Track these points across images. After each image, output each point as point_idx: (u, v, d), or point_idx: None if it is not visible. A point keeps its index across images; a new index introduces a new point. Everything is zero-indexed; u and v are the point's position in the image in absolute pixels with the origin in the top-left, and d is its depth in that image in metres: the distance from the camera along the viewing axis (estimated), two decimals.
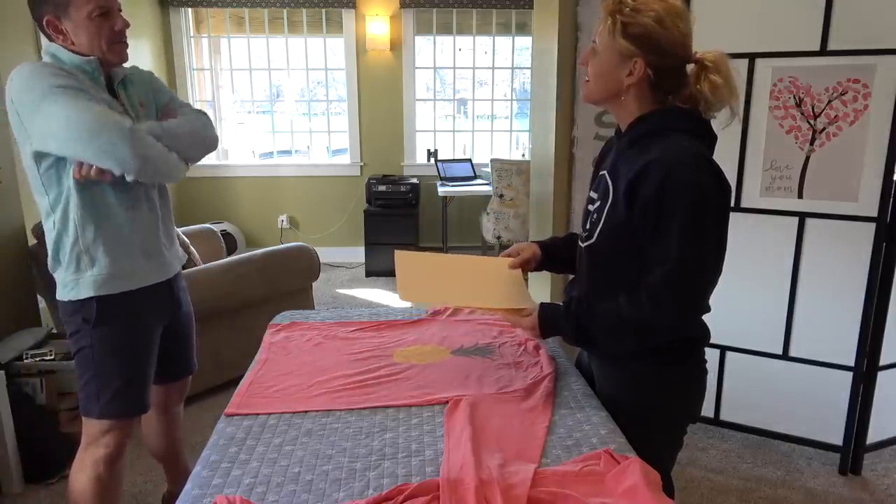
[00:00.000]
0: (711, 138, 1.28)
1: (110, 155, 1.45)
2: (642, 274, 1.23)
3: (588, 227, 1.35)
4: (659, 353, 1.31)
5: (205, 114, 1.76)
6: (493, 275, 1.54)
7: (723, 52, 1.23)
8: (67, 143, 1.45)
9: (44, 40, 1.56)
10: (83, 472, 1.69)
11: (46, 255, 1.63)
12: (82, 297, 1.59)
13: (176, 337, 1.86)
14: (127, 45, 1.60)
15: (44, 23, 1.50)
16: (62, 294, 1.62)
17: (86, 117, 1.43)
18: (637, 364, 1.34)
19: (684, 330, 1.32)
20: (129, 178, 1.51)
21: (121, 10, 1.57)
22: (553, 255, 1.57)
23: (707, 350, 1.39)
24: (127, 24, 1.58)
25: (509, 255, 1.56)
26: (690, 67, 1.24)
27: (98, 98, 1.50)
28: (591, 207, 1.36)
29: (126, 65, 1.67)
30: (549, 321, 1.35)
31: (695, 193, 1.16)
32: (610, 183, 1.30)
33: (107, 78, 1.61)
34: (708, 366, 1.40)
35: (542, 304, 1.37)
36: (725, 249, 1.24)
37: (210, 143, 1.72)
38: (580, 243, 1.39)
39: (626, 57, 1.22)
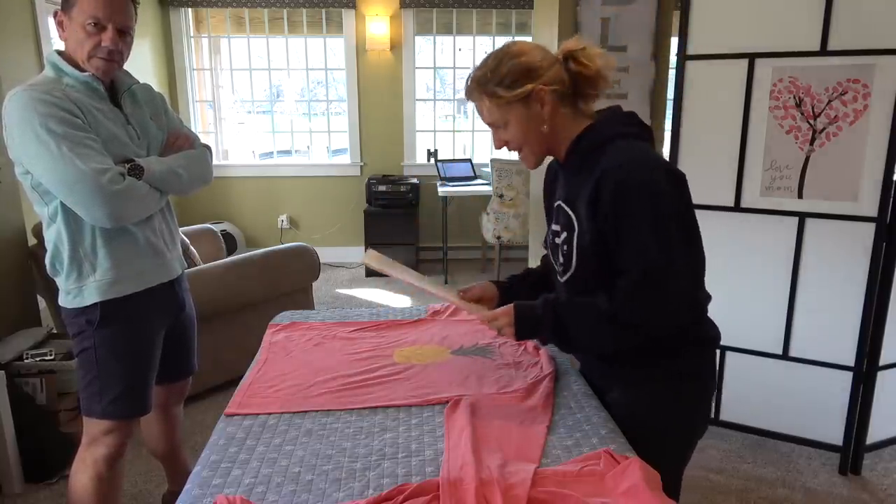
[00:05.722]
0: (649, 132, 1.30)
1: (84, 210, 1.49)
2: (616, 279, 1.21)
3: (562, 260, 1.32)
4: (671, 365, 1.29)
5: (209, 148, 1.81)
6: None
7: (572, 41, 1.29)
8: (49, 185, 1.49)
9: (53, 42, 1.56)
10: (84, 471, 1.69)
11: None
12: (87, 304, 1.60)
13: (178, 338, 1.86)
14: (114, 63, 1.55)
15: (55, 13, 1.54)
16: (65, 301, 1.62)
17: (66, 171, 1.44)
18: (653, 384, 1.32)
19: (692, 333, 1.30)
20: None
21: (126, 33, 1.54)
22: (511, 297, 1.45)
23: None
24: (117, 46, 1.52)
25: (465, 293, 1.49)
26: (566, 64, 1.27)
27: (88, 134, 1.48)
28: (557, 241, 1.34)
29: (137, 76, 1.69)
30: (526, 321, 1.29)
31: (648, 191, 1.17)
32: (570, 212, 1.29)
33: (112, 87, 1.61)
34: None
35: (516, 303, 1.31)
36: (700, 239, 1.25)
37: (207, 179, 1.78)
38: (558, 278, 1.35)
39: (526, 97, 1.25)
